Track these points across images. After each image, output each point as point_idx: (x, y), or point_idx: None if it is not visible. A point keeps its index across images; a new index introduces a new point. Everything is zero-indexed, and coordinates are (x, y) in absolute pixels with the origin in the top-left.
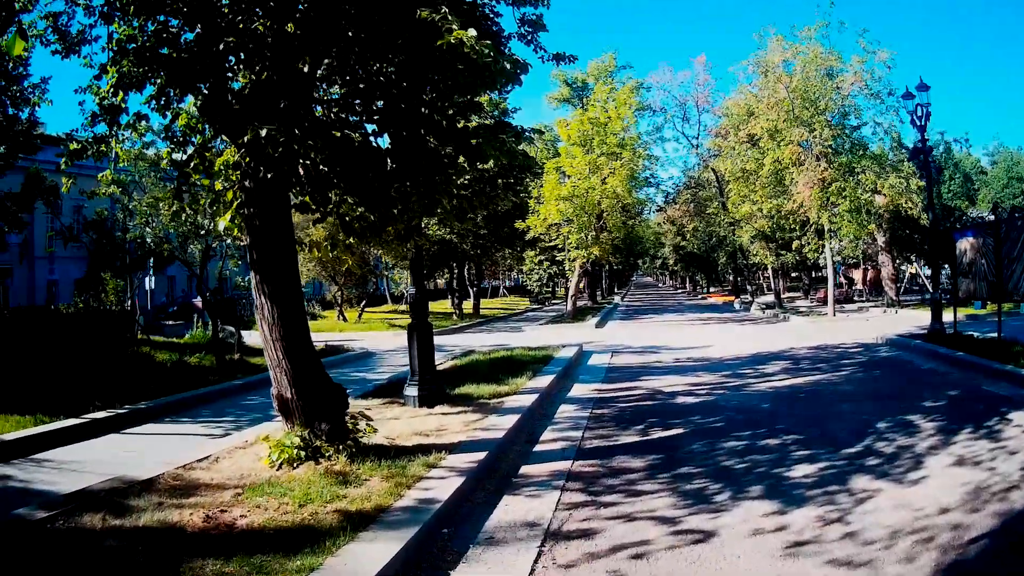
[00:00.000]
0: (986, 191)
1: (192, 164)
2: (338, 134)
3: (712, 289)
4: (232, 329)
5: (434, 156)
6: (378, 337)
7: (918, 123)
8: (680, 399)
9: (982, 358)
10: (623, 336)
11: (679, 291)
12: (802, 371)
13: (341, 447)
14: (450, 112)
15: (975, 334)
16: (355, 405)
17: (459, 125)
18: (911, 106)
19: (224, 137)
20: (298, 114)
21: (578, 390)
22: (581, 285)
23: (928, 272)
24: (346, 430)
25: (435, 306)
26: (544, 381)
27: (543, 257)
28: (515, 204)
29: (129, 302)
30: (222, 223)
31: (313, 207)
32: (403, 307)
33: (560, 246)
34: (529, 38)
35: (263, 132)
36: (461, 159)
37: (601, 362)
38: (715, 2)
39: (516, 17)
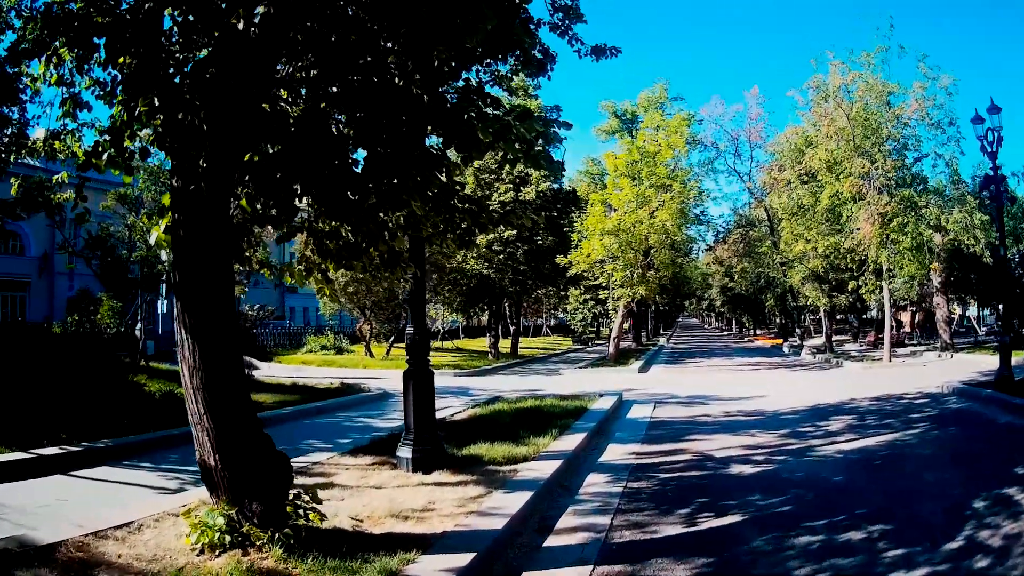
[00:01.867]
0: None
1: (105, 155)
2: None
3: (758, 331)
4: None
5: (408, 142)
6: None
7: (989, 149)
8: (735, 468)
9: None
10: (668, 383)
11: (725, 333)
12: (869, 429)
13: (277, 535)
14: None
15: None
16: (338, 463)
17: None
18: (981, 130)
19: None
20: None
21: (613, 453)
22: (626, 326)
23: (975, 313)
24: (284, 515)
25: (473, 344)
26: (572, 441)
27: (588, 296)
28: (557, 239)
29: (130, 325)
30: (154, 234)
31: (274, 219)
32: (438, 343)
33: (604, 284)
34: (563, 28)
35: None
36: (453, 154)
37: (642, 415)
38: (768, 35)
39: (547, 3)
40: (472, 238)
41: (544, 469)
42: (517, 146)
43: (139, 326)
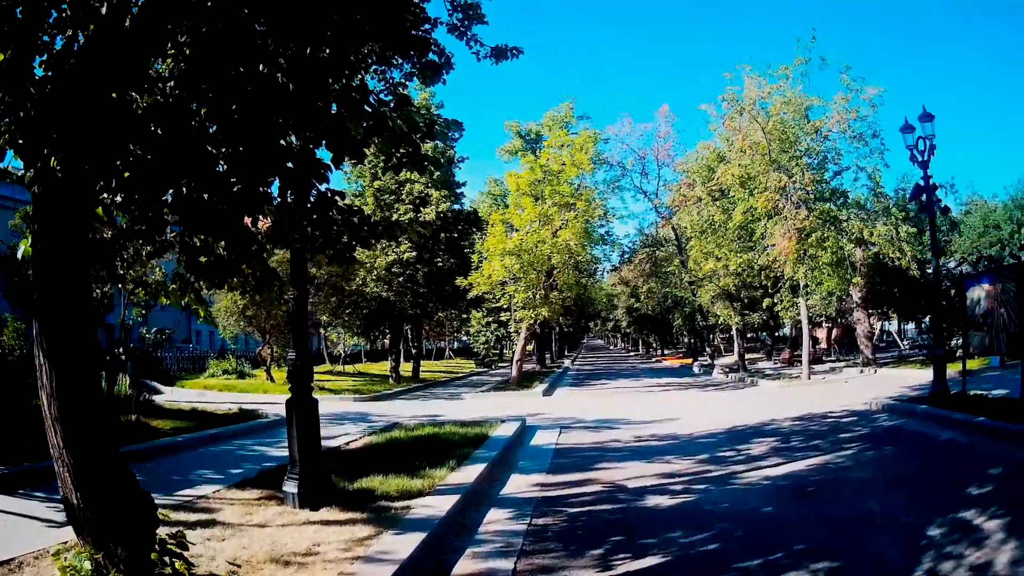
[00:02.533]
0: (960, 241)
1: None
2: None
3: (666, 352)
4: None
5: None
6: None
7: (920, 158)
8: (651, 500)
9: (1010, 423)
10: (574, 406)
11: (631, 353)
12: (796, 452)
13: None
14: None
15: (984, 393)
16: (224, 498)
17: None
18: (911, 139)
19: None
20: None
21: (516, 484)
22: (530, 348)
23: (896, 328)
24: (149, 562)
25: (375, 367)
26: (472, 473)
27: (490, 318)
28: (459, 261)
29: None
30: (21, 248)
31: (143, 233)
32: (339, 367)
33: (506, 306)
34: (461, 29)
35: None
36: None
37: (547, 442)
38: (679, 53)
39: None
40: (351, 253)
41: (440, 505)
42: (400, 148)
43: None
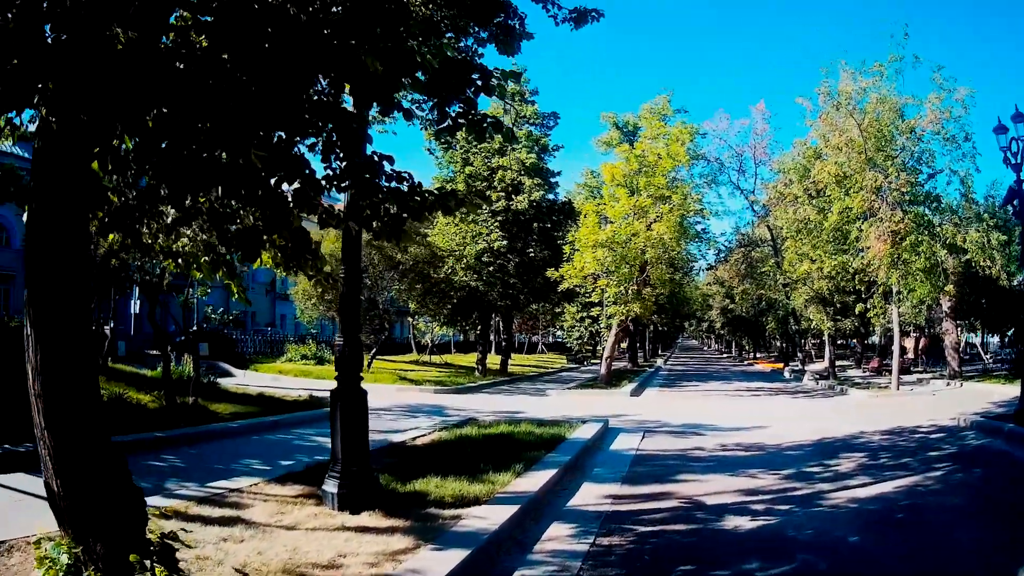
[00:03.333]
0: None
1: None
2: None
3: (758, 355)
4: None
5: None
6: (381, 391)
7: (1013, 160)
8: (730, 521)
9: None
10: (661, 408)
11: (724, 355)
12: (885, 471)
13: None
14: None
15: None
16: (259, 493)
17: None
18: (1004, 140)
19: None
20: None
21: (585, 495)
22: (623, 345)
23: (980, 339)
24: (127, 564)
25: (463, 359)
26: (538, 479)
27: (584, 313)
28: (551, 253)
29: (100, 323)
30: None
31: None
32: (426, 357)
33: (598, 300)
34: None
35: None
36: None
37: (628, 447)
38: (776, 51)
39: None
40: (402, 226)
41: (495, 517)
42: (450, 102)
43: (109, 325)
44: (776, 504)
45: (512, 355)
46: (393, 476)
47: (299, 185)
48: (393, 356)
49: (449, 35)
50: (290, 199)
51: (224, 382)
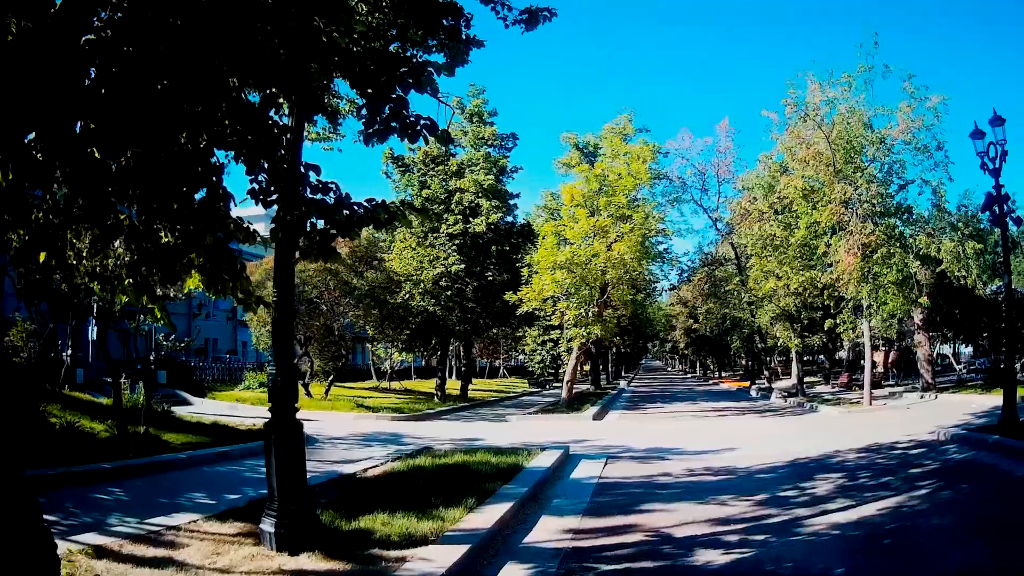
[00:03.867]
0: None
1: None
2: None
3: (724, 374)
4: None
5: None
6: (338, 419)
7: (991, 165)
8: (701, 555)
9: None
10: (625, 432)
11: (688, 375)
12: (865, 491)
13: None
14: None
15: None
16: (196, 531)
17: None
18: (981, 145)
19: None
20: None
21: (544, 530)
22: (585, 368)
23: (951, 350)
24: None
25: (424, 384)
26: (494, 514)
27: (546, 337)
28: (510, 276)
29: (58, 350)
30: None
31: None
32: (386, 384)
33: (558, 324)
34: None
35: None
36: None
37: (590, 474)
38: (740, 67)
39: None
40: (330, 243)
41: (443, 558)
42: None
43: (67, 352)
44: (750, 534)
45: (474, 380)
46: (338, 512)
47: (205, 195)
48: (352, 383)
49: (396, 44)
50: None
51: (180, 410)
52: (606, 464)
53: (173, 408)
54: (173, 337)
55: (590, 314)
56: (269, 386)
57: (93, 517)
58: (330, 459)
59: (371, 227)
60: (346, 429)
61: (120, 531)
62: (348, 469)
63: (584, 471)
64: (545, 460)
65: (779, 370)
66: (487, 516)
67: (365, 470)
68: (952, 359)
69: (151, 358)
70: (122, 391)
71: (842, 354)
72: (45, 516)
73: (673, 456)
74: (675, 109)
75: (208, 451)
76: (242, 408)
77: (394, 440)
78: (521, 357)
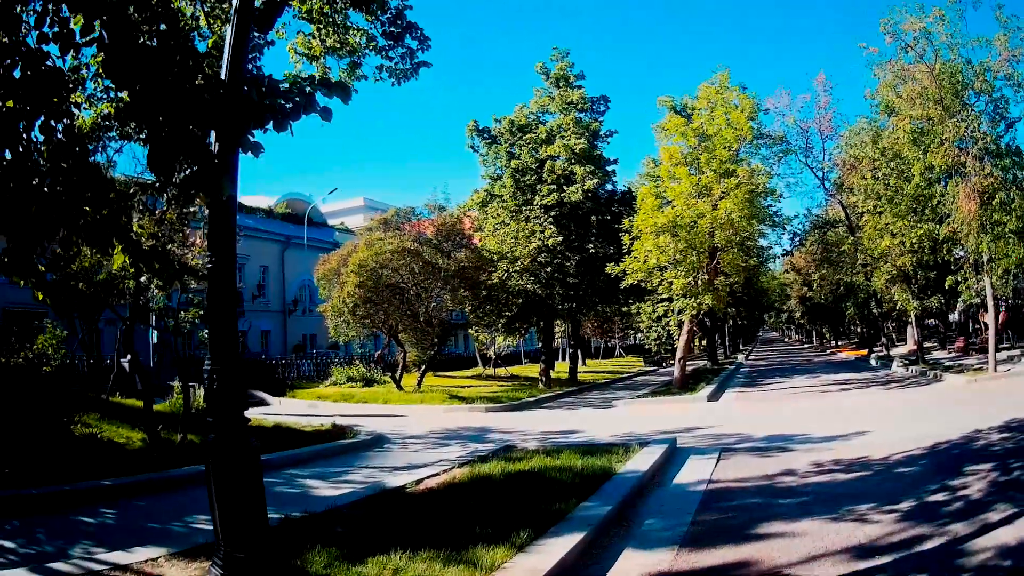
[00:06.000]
0: None
1: None
2: None
3: (840, 342)
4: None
5: None
6: (426, 413)
7: None
8: None
9: None
10: (742, 416)
11: (805, 345)
12: None
13: None
14: None
15: None
16: (149, 573)
17: None
18: None
19: None
20: None
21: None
22: (702, 342)
23: None
24: None
25: (531, 369)
26: (550, 555)
27: (664, 308)
28: (614, 248)
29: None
30: None
31: None
32: (490, 370)
33: (665, 295)
34: None
35: None
36: None
37: (697, 478)
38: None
39: None
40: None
41: None
42: None
43: (125, 358)
44: (901, 572)
45: (587, 361)
46: (341, 551)
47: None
48: (455, 371)
49: None
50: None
51: (249, 412)
52: (718, 461)
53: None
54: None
55: (700, 283)
56: (206, 390)
57: (57, 546)
58: (392, 464)
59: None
60: (430, 425)
61: (56, 570)
62: (402, 479)
63: (691, 472)
64: (643, 461)
65: (894, 336)
66: (540, 559)
67: (420, 481)
68: None
69: (183, 357)
70: (181, 395)
71: (953, 316)
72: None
73: (797, 446)
74: (768, 70)
75: None
76: (322, 406)
77: (478, 436)
78: (639, 335)
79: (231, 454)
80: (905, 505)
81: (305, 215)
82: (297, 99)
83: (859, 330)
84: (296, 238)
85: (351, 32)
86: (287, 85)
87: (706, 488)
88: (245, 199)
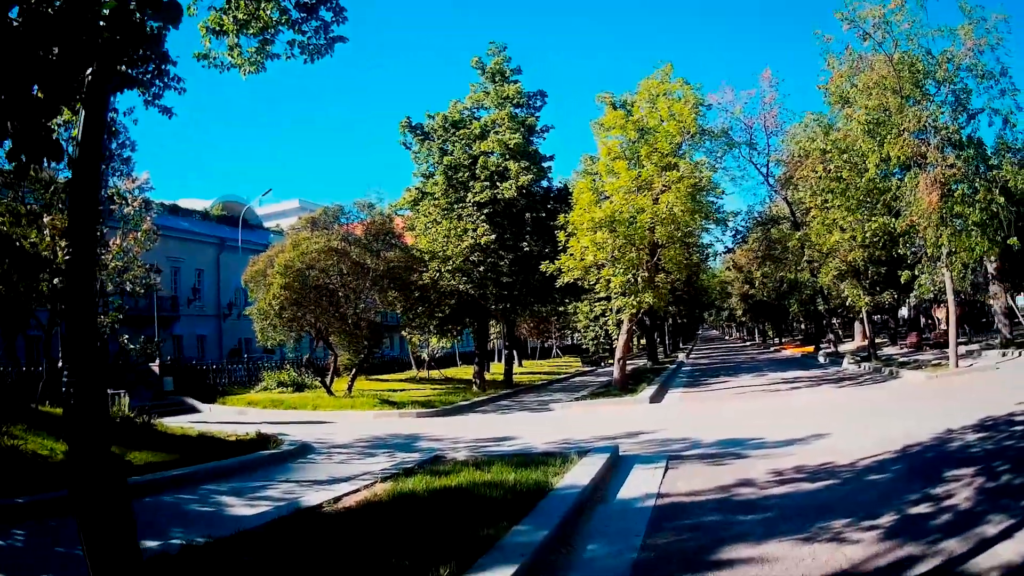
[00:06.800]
0: None
1: None
2: None
3: (783, 340)
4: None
5: None
6: (355, 419)
7: None
8: None
9: None
10: (688, 418)
11: (747, 343)
12: (1019, 494)
13: None
14: None
15: None
16: None
17: None
18: None
19: None
20: None
21: None
22: (641, 342)
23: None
24: None
25: (465, 371)
26: None
27: (598, 311)
28: (549, 247)
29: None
30: None
31: None
32: (424, 373)
33: (602, 293)
34: None
35: None
36: None
37: (644, 491)
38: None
39: None
40: None
41: None
42: None
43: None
44: None
45: (523, 362)
46: None
47: None
48: (388, 375)
49: None
50: None
51: (177, 420)
52: (667, 470)
53: (167, 418)
54: (143, 338)
55: (640, 280)
56: (63, 412)
57: None
58: (313, 478)
59: None
60: (358, 432)
61: None
62: (321, 496)
63: (637, 485)
64: (584, 473)
65: (840, 333)
66: None
67: (338, 498)
68: (1019, 313)
69: (123, 362)
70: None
71: (903, 312)
72: None
73: (752, 451)
74: (711, 67)
75: (162, 475)
76: (251, 413)
77: (407, 445)
78: (576, 335)
79: (97, 493)
80: (886, 520)
81: (240, 217)
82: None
83: (803, 327)
84: (232, 240)
85: (263, 4)
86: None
87: (655, 504)
88: (182, 201)
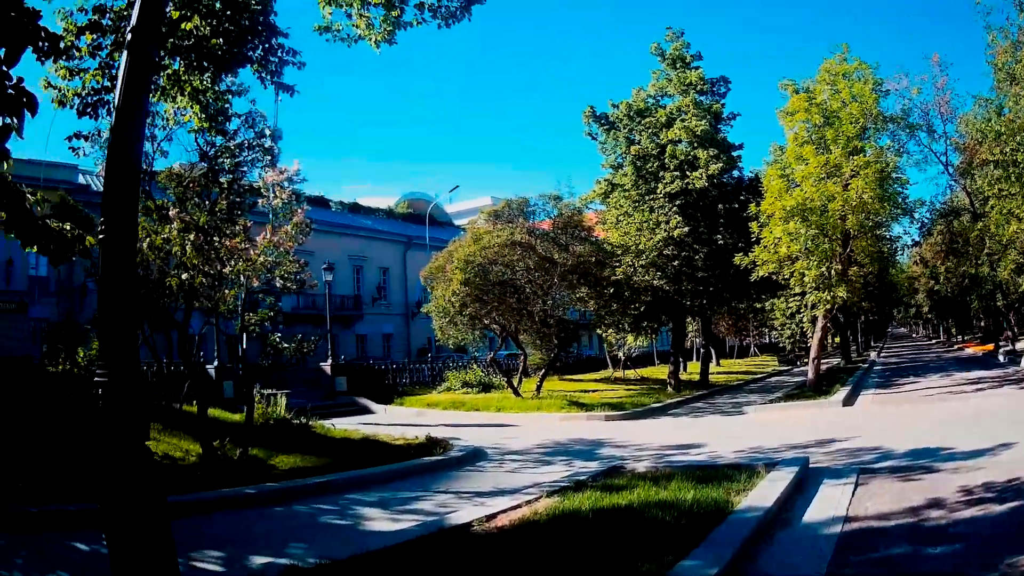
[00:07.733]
0: None
1: None
2: None
3: (965, 337)
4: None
5: None
6: (540, 422)
7: None
8: None
9: None
10: (879, 423)
11: (933, 341)
12: None
13: None
14: None
15: None
16: None
17: None
18: None
19: None
20: None
21: None
22: (835, 340)
23: None
24: None
25: (661, 371)
26: None
27: (798, 304)
28: (743, 240)
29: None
30: None
31: None
32: (619, 373)
33: (798, 289)
34: None
35: None
36: None
37: (831, 514)
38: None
39: None
40: None
41: None
42: None
43: (213, 364)
44: None
45: (721, 361)
46: None
47: None
48: (583, 374)
49: None
50: None
51: (345, 422)
52: (856, 487)
53: (335, 420)
54: (299, 338)
55: (833, 273)
56: (99, 407)
57: None
58: (476, 488)
59: None
60: (540, 436)
61: None
62: (478, 511)
63: (824, 506)
64: (768, 492)
65: (1016, 329)
66: None
67: (493, 516)
68: None
69: (250, 363)
70: (262, 403)
71: None
72: None
73: (942, 464)
74: (879, 54)
75: (304, 482)
76: (430, 414)
77: (588, 452)
78: (773, 333)
79: (122, 500)
80: None
81: (427, 214)
82: None
83: (982, 324)
84: (418, 238)
85: None
86: None
87: (841, 530)
88: (363, 199)
